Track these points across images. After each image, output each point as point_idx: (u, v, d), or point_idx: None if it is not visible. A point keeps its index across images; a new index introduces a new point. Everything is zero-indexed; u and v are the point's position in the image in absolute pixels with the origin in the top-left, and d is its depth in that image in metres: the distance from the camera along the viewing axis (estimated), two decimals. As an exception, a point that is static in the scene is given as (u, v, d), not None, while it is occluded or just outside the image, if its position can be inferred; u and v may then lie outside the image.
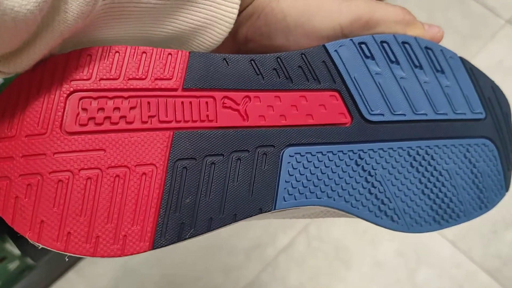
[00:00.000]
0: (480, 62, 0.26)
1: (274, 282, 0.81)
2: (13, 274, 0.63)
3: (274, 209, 0.21)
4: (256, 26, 0.24)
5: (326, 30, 0.23)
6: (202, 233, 0.20)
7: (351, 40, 0.24)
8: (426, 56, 0.25)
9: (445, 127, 0.25)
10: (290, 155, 0.22)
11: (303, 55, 0.23)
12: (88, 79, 0.19)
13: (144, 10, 0.20)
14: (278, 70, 0.22)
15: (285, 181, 0.22)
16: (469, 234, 0.89)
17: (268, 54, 0.22)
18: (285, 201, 0.22)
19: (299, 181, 0.22)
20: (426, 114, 0.25)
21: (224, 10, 0.22)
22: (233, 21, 0.23)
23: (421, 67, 0.25)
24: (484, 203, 0.26)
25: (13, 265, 0.62)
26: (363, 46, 0.24)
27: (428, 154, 0.25)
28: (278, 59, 0.22)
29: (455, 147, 0.25)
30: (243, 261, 0.79)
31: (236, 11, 0.22)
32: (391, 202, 0.24)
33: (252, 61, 0.22)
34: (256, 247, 0.80)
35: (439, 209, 0.25)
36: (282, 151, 0.22)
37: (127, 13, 0.20)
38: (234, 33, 0.24)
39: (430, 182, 0.24)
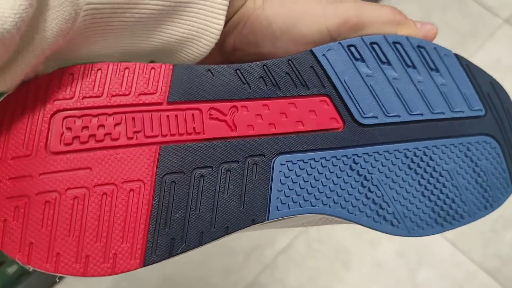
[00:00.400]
0: (478, 61, 0.26)
1: (273, 283, 0.81)
2: (11, 278, 0.63)
3: (268, 219, 0.21)
4: (243, 35, 0.24)
5: (313, 35, 0.23)
6: (194, 248, 0.20)
7: (339, 43, 0.23)
8: (419, 55, 0.24)
9: (442, 126, 0.25)
10: (281, 164, 0.21)
11: (290, 62, 0.22)
12: (71, 98, 0.19)
13: (128, 25, 0.20)
14: (264, 78, 0.22)
15: (278, 190, 0.21)
16: (469, 233, 0.89)
17: (254, 63, 0.22)
18: (278, 210, 0.21)
19: (292, 189, 0.21)
20: (422, 114, 0.24)
21: (210, 22, 0.22)
22: (219, 32, 0.22)
23: (414, 67, 0.24)
24: (489, 202, 0.25)
25: (11, 269, 0.62)
26: (352, 48, 0.23)
27: (426, 155, 0.24)
28: (264, 67, 0.22)
29: (455, 146, 0.25)
30: (242, 263, 0.79)
31: (222, 22, 0.22)
32: (389, 206, 0.23)
33: (237, 71, 0.21)
34: (255, 249, 0.80)
35: (441, 211, 0.24)
36: (273, 160, 0.21)
37: (110, 28, 0.20)
38: (221, 43, 0.24)
39: (430, 184, 0.24)
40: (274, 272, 0.80)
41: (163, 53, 0.23)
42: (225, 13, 0.22)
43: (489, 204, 0.25)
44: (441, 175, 0.24)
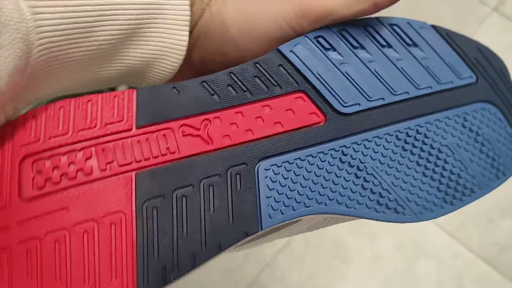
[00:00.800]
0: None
1: (273, 282, 0.80)
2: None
3: (261, 229, 0.20)
4: (206, 46, 0.23)
5: (274, 32, 0.22)
6: (187, 272, 0.19)
7: (305, 36, 0.22)
8: (392, 32, 0.23)
9: (432, 101, 0.23)
10: (265, 169, 0.21)
11: (257, 64, 0.21)
12: (38, 141, 0.19)
13: (89, 54, 0.20)
14: (233, 85, 0.21)
15: (266, 197, 0.20)
16: (466, 223, 0.88)
17: (220, 72, 0.21)
18: (271, 218, 0.20)
19: (282, 193, 0.20)
20: (407, 93, 0.23)
21: (175, 38, 0.22)
22: (185, 48, 0.22)
23: (389, 45, 0.23)
24: (500, 170, 0.24)
25: None
26: (320, 39, 0.22)
27: (420, 133, 0.23)
28: (231, 74, 0.21)
29: (449, 119, 0.23)
30: (242, 263, 0.79)
31: (187, 38, 0.22)
32: (390, 194, 0.22)
33: (203, 83, 0.21)
34: (254, 248, 0.80)
35: (447, 188, 0.22)
36: (256, 167, 0.20)
37: (71, 60, 0.20)
38: (188, 58, 0.24)
39: (430, 162, 0.22)
40: (274, 271, 0.80)
41: (131, 76, 0.23)
42: (188, 28, 0.22)
43: (501, 173, 0.24)
44: (440, 151, 0.23)
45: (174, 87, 0.20)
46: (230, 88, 0.21)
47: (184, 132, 0.20)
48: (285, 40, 0.22)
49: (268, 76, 0.21)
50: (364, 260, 0.86)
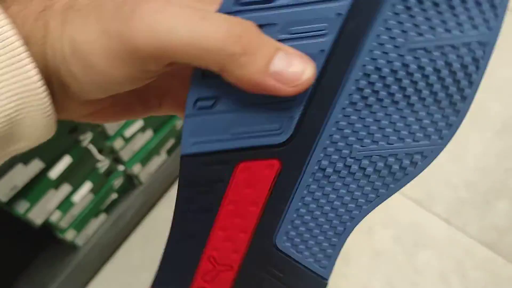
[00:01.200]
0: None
1: None
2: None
3: (328, 280, 0.21)
4: (65, 90, 0.18)
5: (117, 73, 0.17)
6: None
7: (188, 116, 0.18)
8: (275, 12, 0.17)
9: (355, 15, 0.17)
10: (283, 242, 0.20)
11: (187, 187, 0.19)
12: None
13: None
14: (184, 233, 0.20)
15: (307, 259, 0.20)
16: (462, 209, 0.84)
17: (172, 233, 0.20)
18: (325, 268, 0.20)
19: (311, 246, 0.20)
20: (327, 33, 0.17)
21: (20, 79, 0.17)
22: (40, 84, 0.17)
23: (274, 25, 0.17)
24: (498, 11, 0.17)
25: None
26: (198, 102, 0.18)
27: (377, 68, 0.17)
28: (174, 225, 0.20)
29: (390, 17, 0.17)
30: None
31: (34, 72, 0.17)
32: (397, 154, 0.19)
33: (166, 264, 0.21)
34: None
35: (449, 97, 0.18)
36: (276, 247, 0.20)
37: None
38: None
39: (410, 92, 0.18)
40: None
41: (7, 143, 0.18)
42: (29, 60, 0.16)
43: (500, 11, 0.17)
44: (436, 69, 0.17)
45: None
46: (188, 237, 0.20)
47: None
48: (129, 79, 0.17)
49: (204, 185, 0.19)
50: (363, 257, 0.85)
